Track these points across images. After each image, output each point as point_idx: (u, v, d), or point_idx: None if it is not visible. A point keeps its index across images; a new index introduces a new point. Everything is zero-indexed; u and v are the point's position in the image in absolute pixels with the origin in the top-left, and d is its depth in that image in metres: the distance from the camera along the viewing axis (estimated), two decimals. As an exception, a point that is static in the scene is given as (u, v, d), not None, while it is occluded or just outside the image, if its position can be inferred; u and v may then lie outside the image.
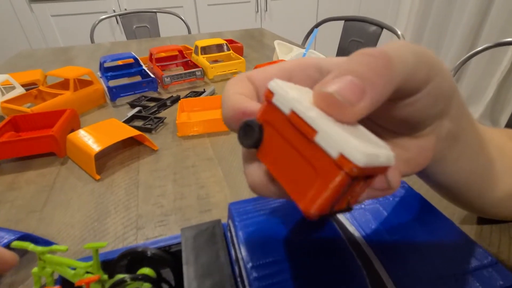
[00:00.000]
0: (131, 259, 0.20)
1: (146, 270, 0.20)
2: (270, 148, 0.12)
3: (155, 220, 0.35)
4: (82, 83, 0.63)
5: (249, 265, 0.15)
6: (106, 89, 0.63)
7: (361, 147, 0.09)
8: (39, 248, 0.20)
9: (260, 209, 0.18)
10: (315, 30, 0.82)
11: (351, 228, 0.18)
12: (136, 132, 0.45)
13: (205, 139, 0.50)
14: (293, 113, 0.11)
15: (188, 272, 0.17)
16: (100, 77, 0.68)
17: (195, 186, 0.39)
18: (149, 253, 0.20)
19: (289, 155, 0.11)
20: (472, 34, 1.88)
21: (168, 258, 0.20)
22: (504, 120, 1.79)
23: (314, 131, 0.10)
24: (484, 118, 1.90)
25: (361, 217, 0.20)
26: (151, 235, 0.33)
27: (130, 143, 0.49)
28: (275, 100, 0.12)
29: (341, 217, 0.21)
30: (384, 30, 1.10)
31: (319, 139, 0.10)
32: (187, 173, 0.42)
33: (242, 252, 0.15)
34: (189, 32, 1.56)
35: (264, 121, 0.12)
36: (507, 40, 0.79)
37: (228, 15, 2.17)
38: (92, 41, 1.40)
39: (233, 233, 0.17)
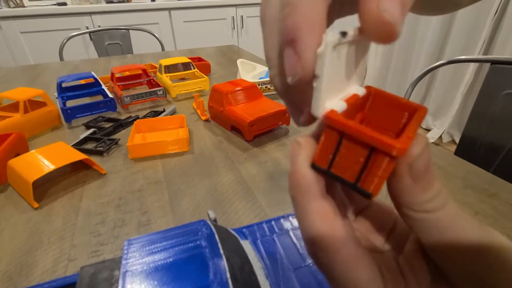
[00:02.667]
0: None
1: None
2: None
3: (90, 250, 0.33)
4: (35, 104, 0.61)
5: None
6: (60, 110, 0.61)
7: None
8: None
9: (154, 249, 0.18)
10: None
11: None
12: (81, 156, 0.44)
13: (157, 161, 0.49)
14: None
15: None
16: (56, 98, 0.66)
17: (138, 212, 0.38)
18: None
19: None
20: (437, 51, 1.98)
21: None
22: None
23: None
24: (453, 128, 1.98)
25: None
26: (82, 267, 0.31)
27: (78, 167, 0.48)
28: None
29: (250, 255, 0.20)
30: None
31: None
32: (132, 198, 0.41)
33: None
34: (163, 49, 1.56)
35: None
36: (460, 58, 0.84)
37: (204, 31, 2.19)
38: (61, 58, 1.37)
39: (120, 274, 0.17)
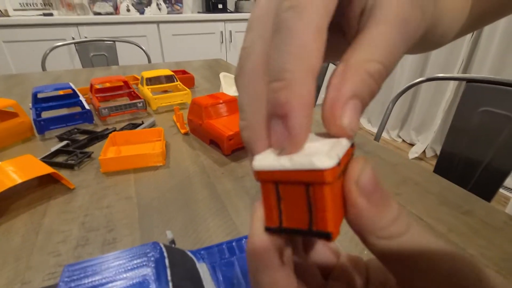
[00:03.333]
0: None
1: None
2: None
3: (47, 272, 0.31)
4: (6, 115, 0.59)
5: None
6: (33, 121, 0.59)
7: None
8: None
9: (95, 276, 0.16)
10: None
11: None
12: (48, 170, 0.42)
13: (129, 176, 0.47)
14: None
15: None
16: (30, 109, 0.64)
17: (104, 230, 0.36)
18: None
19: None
20: (419, 70, 2.04)
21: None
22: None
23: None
24: (435, 143, 2.02)
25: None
26: (37, 290, 0.29)
27: (45, 181, 0.45)
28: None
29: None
30: (333, 63, 1.16)
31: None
32: (99, 214, 0.39)
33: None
34: (149, 61, 1.56)
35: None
36: (438, 75, 0.86)
37: (193, 45, 2.21)
38: (44, 68, 1.35)
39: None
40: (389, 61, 0.12)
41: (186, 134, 0.62)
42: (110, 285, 0.16)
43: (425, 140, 2.09)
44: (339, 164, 0.11)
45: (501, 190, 1.63)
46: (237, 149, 0.54)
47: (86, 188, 0.45)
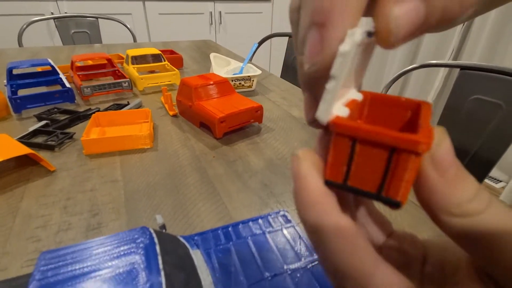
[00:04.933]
0: None
1: None
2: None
3: (25, 258, 0.29)
4: (-23, 92, 0.54)
5: None
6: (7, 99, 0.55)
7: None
8: None
9: (76, 264, 0.14)
10: (255, 44, 0.82)
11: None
12: (25, 151, 0.39)
13: (115, 158, 0.45)
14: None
15: None
16: (5, 86, 0.60)
17: (88, 214, 0.34)
18: None
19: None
20: (409, 57, 2.05)
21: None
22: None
23: None
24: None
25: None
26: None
27: (23, 163, 0.42)
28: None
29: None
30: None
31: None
32: (82, 198, 0.37)
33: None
34: (135, 40, 1.49)
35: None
36: (432, 62, 0.85)
37: (181, 25, 2.12)
38: (20, 44, 1.27)
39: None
40: None
41: (175, 116, 0.59)
42: (93, 274, 0.14)
43: (412, 128, 2.12)
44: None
45: (486, 180, 1.69)
46: (228, 132, 0.52)
47: (68, 170, 0.42)
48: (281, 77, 0.90)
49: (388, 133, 0.10)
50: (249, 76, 0.71)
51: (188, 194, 0.38)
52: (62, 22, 1.36)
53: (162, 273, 0.14)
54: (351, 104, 0.12)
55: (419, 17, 0.10)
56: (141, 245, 0.15)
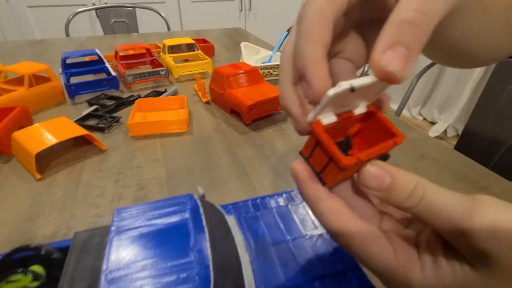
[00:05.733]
0: (27, 257, 0.20)
1: (35, 267, 0.20)
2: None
3: (88, 221, 0.35)
4: (39, 79, 0.62)
5: (103, 276, 0.15)
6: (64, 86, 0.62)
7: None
8: None
9: (141, 218, 0.19)
10: (284, 33, 0.83)
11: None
12: (83, 132, 0.45)
13: (156, 140, 0.50)
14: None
15: (63, 274, 0.18)
16: (61, 74, 0.67)
17: (135, 187, 0.40)
18: (43, 251, 0.20)
19: None
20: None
21: (60, 257, 0.20)
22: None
23: None
24: (459, 123, 1.96)
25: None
26: (80, 235, 0.33)
27: (79, 142, 0.49)
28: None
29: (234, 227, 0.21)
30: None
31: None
32: (130, 174, 0.42)
33: (105, 262, 0.16)
34: (168, 29, 1.55)
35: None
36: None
37: (212, 13, 2.16)
38: (67, 34, 1.37)
39: (108, 240, 0.18)
40: (427, 8, 0.13)
41: (207, 103, 0.63)
42: (155, 226, 0.18)
43: (447, 119, 2.03)
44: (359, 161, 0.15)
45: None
46: (257, 119, 0.55)
47: (117, 149, 0.48)
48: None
49: (329, 147, 0.15)
50: (277, 65, 0.73)
51: (220, 173, 0.42)
52: (103, 12, 1.45)
53: (206, 228, 0.18)
54: (345, 115, 0.16)
55: (405, 55, 0.13)
56: (188, 207, 0.19)
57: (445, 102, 2.03)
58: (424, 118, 2.22)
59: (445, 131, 2.02)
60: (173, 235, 0.18)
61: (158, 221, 0.18)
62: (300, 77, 0.15)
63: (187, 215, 0.19)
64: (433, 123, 2.12)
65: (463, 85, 1.89)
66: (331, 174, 0.15)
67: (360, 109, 0.17)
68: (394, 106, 2.40)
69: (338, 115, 0.16)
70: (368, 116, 0.17)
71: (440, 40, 0.21)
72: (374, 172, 0.15)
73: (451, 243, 0.14)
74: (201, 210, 0.19)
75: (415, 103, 2.22)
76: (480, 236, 0.13)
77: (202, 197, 0.24)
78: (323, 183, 0.16)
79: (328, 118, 0.16)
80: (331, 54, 0.20)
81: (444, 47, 0.22)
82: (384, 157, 0.17)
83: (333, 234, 0.16)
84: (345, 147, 0.17)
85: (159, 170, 0.43)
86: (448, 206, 0.13)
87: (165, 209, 0.19)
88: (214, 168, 0.44)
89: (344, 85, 0.13)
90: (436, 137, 1.99)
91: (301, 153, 0.17)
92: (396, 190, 0.14)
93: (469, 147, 0.81)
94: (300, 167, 0.17)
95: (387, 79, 0.13)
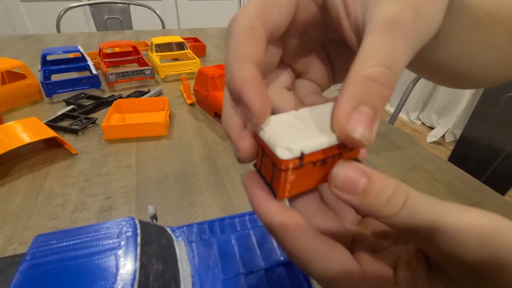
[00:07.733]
0: None
1: None
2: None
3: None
4: (14, 76, 0.59)
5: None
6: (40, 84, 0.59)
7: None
8: None
9: (63, 248, 0.16)
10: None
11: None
12: (50, 134, 0.42)
13: (131, 144, 0.47)
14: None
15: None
16: (39, 71, 0.64)
17: (101, 197, 0.37)
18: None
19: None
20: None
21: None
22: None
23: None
24: (457, 128, 1.93)
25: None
26: (33, 250, 0.30)
27: (50, 145, 0.46)
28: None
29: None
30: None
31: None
32: (98, 181, 0.39)
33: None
34: (163, 27, 1.52)
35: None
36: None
37: (210, 11, 2.13)
38: (58, 30, 1.34)
39: (17, 272, 0.15)
40: (393, 62, 0.12)
41: (192, 105, 0.61)
42: (76, 260, 0.15)
43: (446, 124, 2.00)
44: (300, 158, 0.12)
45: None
46: (241, 123, 0.52)
47: (88, 154, 0.45)
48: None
49: (269, 148, 0.13)
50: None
51: (196, 182, 0.39)
52: (96, 8, 1.42)
53: (138, 263, 0.15)
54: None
55: (371, 118, 0.12)
56: (124, 235, 0.17)
57: (443, 107, 2.01)
58: (423, 123, 2.19)
59: (443, 136, 2.00)
60: (96, 271, 0.15)
61: (82, 253, 0.16)
62: (235, 99, 0.14)
63: (119, 246, 0.16)
64: (431, 128, 2.10)
65: (462, 90, 1.86)
66: (278, 181, 0.13)
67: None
68: (392, 110, 2.37)
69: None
70: None
71: (430, 62, 0.20)
72: (347, 172, 0.12)
73: (438, 264, 0.12)
74: (138, 240, 0.17)
75: (413, 108, 2.19)
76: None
77: (153, 218, 0.21)
78: (274, 194, 0.14)
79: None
80: (296, 73, 0.19)
81: (435, 68, 0.21)
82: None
83: (287, 253, 0.14)
84: None
85: (129, 178, 0.40)
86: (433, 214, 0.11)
87: (94, 237, 0.17)
88: (190, 176, 0.41)
89: (294, 150, 0.12)
90: (434, 142, 1.96)
91: (254, 165, 0.16)
92: (373, 194, 0.12)
93: (466, 155, 0.78)
94: (250, 177, 0.15)
95: (352, 144, 0.12)
